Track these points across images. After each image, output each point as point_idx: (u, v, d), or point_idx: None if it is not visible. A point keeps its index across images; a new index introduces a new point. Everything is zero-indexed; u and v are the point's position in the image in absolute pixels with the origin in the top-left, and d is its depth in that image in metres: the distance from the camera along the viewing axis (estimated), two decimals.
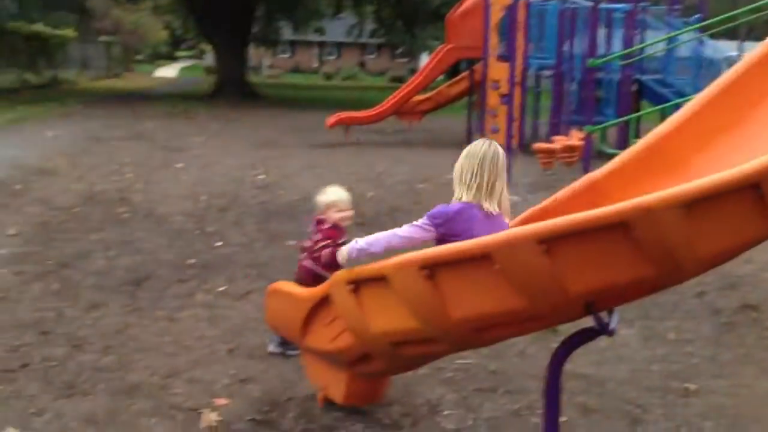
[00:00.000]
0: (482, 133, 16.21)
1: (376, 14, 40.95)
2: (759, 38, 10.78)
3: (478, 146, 3.21)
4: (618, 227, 2.27)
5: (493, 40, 15.56)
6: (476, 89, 17.39)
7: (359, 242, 3.36)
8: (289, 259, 6.79)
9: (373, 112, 17.24)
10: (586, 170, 9.71)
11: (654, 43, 13.21)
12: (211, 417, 3.78)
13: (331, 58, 68.07)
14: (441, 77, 19.76)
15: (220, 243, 7.33)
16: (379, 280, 2.95)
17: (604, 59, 12.53)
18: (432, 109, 19.00)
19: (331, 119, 16.33)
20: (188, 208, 8.88)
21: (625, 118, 12.53)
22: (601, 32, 14.22)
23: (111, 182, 10.37)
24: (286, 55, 67.86)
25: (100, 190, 9.75)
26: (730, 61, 11.51)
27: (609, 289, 2.40)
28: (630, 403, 4.13)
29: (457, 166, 3.25)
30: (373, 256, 3.28)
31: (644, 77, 14.36)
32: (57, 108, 22.36)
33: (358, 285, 3.12)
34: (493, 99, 15.76)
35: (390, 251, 3.19)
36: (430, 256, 2.73)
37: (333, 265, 3.61)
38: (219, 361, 4.52)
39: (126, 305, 5.46)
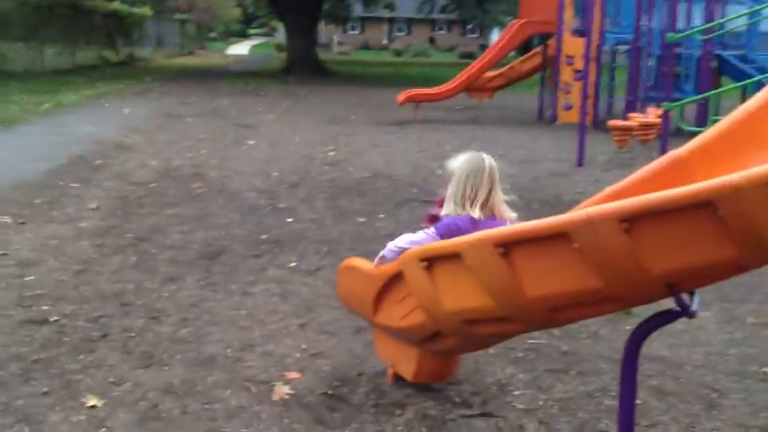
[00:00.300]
0: (554, 110, 15.96)
1: None
2: None
3: (475, 162, 3.29)
4: (703, 206, 2.18)
5: (568, 14, 15.25)
6: (549, 65, 17.10)
7: (390, 245, 3.51)
8: (359, 235, 6.83)
9: (444, 89, 17.12)
10: (663, 148, 9.45)
11: (736, 17, 12.72)
12: (283, 390, 3.83)
13: (401, 34, 67.85)
14: (512, 53, 19.48)
15: (291, 219, 7.40)
16: (453, 257, 2.92)
17: (684, 34, 12.12)
18: (504, 85, 18.75)
19: (402, 96, 16.28)
20: (260, 185, 9.00)
21: (704, 94, 12.13)
22: (681, 6, 13.76)
23: (186, 158, 10.58)
24: (356, 32, 67.92)
25: (175, 166, 9.96)
26: None
27: (692, 270, 2.32)
28: (706, 387, 4.03)
29: (454, 183, 3.32)
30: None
31: (725, 53, 13.86)
32: (133, 85, 22.91)
33: (431, 262, 3.10)
34: (566, 75, 15.49)
35: None
36: (506, 233, 2.69)
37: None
38: (291, 336, 4.57)
39: (201, 279, 5.58)
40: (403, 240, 3.49)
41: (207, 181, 9.07)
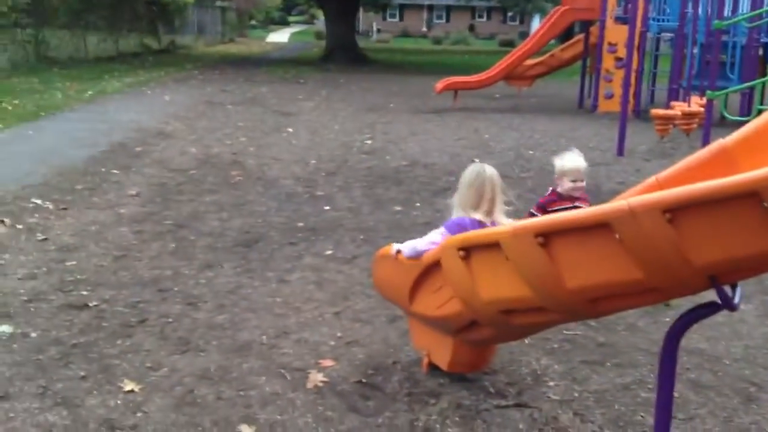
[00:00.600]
0: (595, 99, 15.74)
1: None
2: None
3: (477, 174, 3.53)
4: (748, 197, 2.12)
5: (612, 1, 14.99)
6: (591, 53, 16.85)
7: (408, 244, 3.63)
8: (395, 224, 6.81)
9: (483, 77, 16.96)
10: (706, 138, 9.26)
11: None
12: (317, 378, 3.84)
13: (440, 21, 67.41)
14: (553, 41, 19.23)
15: (327, 207, 7.41)
16: (492, 246, 2.89)
17: (730, 21, 11.84)
18: (544, 73, 18.51)
19: (440, 84, 16.17)
20: (298, 172, 9.02)
21: (750, 83, 11.85)
22: None
23: (225, 146, 10.65)
24: (395, 20, 67.69)
25: (214, 153, 10.03)
26: None
27: (735, 262, 2.26)
28: (745, 381, 3.95)
29: (459, 193, 3.57)
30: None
31: None
32: (174, 72, 23.12)
33: (469, 251, 3.07)
34: (608, 63, 15.25)
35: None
36: (547, 223, 2.64)
37: None
38: (326, 324, 4.58)
39: (238, 266, 5.61)
40: (422, 242, 3.56)
41: (245, 169, 9.12)
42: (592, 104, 15.91)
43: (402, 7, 66.20)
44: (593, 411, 3.60)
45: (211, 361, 4.01)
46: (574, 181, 4.37)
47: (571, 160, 4.35)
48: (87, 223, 6.58)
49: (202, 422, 3.41)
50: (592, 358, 4.18)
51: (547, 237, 2.61)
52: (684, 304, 2.68)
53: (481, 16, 67.34)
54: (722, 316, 4.45)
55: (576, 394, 3.76)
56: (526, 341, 4.26)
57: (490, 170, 3.56)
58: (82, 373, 3.82)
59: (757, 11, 12.28)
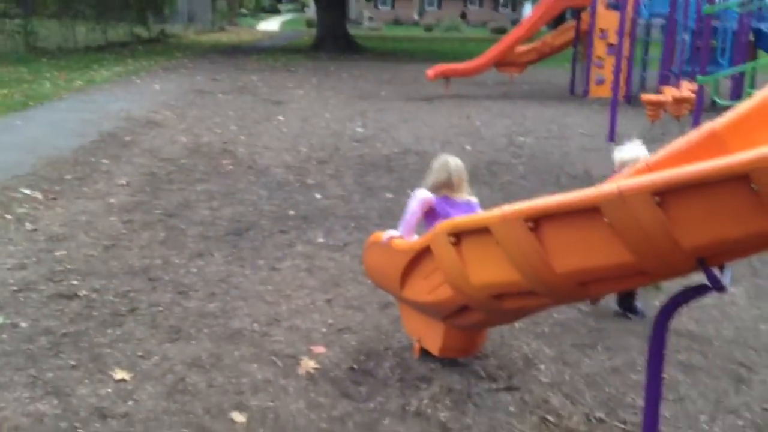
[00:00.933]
0: (587, 85, 15.73)
1: None
2: None
3: (443, 159, 3.87)
4: (737, 180, 2.12)
5: None
6: (582, 39, 16.82)
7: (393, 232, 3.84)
8: (386, 211, 6.80)
9: (475, 64, 16.89)
10: (696, 122, 9.26)
11: None
12: (309, 364, 3.84)
13: (432, 9, 67.15)
14: (544, 27, 19.18)
15: (319, 195, 7.40)
16: (482, 231, 2.89)
17: (721, 6, 11.84)
18: (535, 60, 18.43)
19: (432, 71, 16.11)
20: (289, 161, 8.99)
21: (739, 68, 11.86)
22: None
23: (215, 134, 10.60)
24: (387, 7, 67.45)
25: (204, 142, 9.99)
26: None
27: (724, 244, 2.26)
28: (735, 363, 3.98)
29: (430, 175, 3.87)
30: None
31: (762, 25, 13.53)
32: (164, 61, 22.98)
33: (459, 237, 3.07)
34: (599, 49, 15.25)
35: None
36: (536, 208, 2.64)
37: None
38: (317, 311, 4.58)
39: (229, 254, 5.59)
40: (404, 218, 3.83)
41: (236, 157, 9.09)
42: (584, 90, 15.91)
43: None
44: (583, 393, 3.62)
45: (202, 349, 4.01)
46: None
47: (630, 151, 4.27)
48: (76, 212, 6.54)
49: (193, 410, 3.40)
50: (582, 342, 4.20)
51: (536, 221, 2.61)
52: (673, 287, 2.69)
53: (473, 3, 67.14)
54: (712, 298, 4.47)
55: (566, 377, 3.78)
56: (517, 325, 4.28)
57: (453, 161, 3.85)
58: (73, 363, 3.81)
59: None
